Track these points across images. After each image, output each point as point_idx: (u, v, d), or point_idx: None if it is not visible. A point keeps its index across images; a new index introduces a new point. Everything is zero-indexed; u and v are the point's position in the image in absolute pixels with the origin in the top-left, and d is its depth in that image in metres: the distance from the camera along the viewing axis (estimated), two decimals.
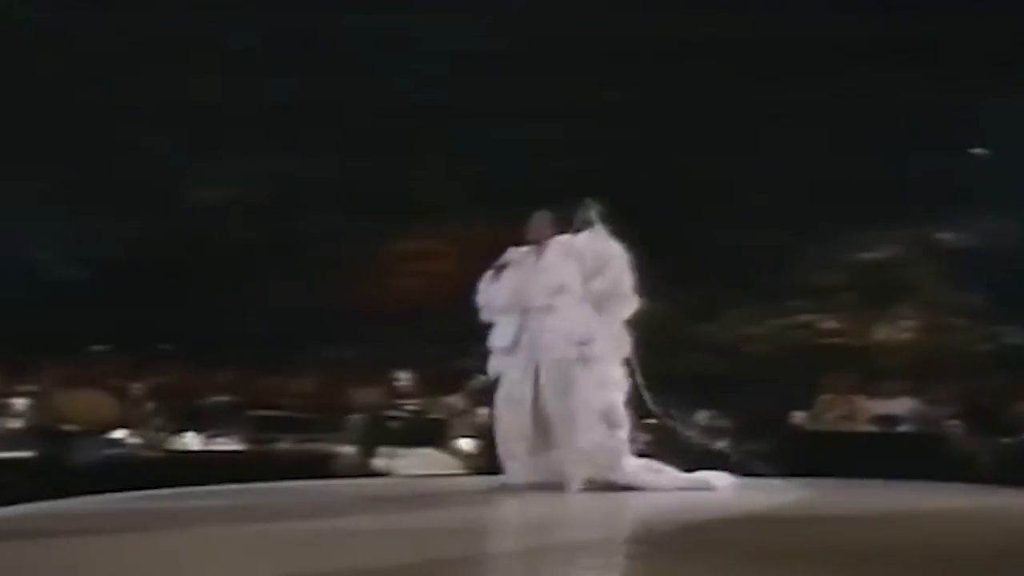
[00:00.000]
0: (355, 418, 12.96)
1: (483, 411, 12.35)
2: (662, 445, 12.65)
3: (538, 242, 7.83)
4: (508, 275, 7.83)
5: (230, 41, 17.29)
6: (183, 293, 16.70)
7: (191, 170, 18.26)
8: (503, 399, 7.79)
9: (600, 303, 7.62)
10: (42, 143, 16.75)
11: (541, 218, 7.92)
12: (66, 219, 17.57)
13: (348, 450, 12.10)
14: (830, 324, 17.88)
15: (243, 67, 17.20)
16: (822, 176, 17.49)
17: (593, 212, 7.83)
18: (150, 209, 17.53)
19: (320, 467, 11.08)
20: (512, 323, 7.73)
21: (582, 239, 7.74)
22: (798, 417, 13.70)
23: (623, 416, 7.48)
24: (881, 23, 16.86)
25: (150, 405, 13.28)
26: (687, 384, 15.06)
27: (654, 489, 7.29)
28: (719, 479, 7.62)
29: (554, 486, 7.35)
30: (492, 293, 7.85)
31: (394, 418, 12.85)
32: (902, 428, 13.27)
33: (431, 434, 12.06)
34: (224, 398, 14.12)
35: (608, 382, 7.49)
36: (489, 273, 7.90)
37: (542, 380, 7.57)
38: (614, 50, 17.38)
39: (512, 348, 7.71)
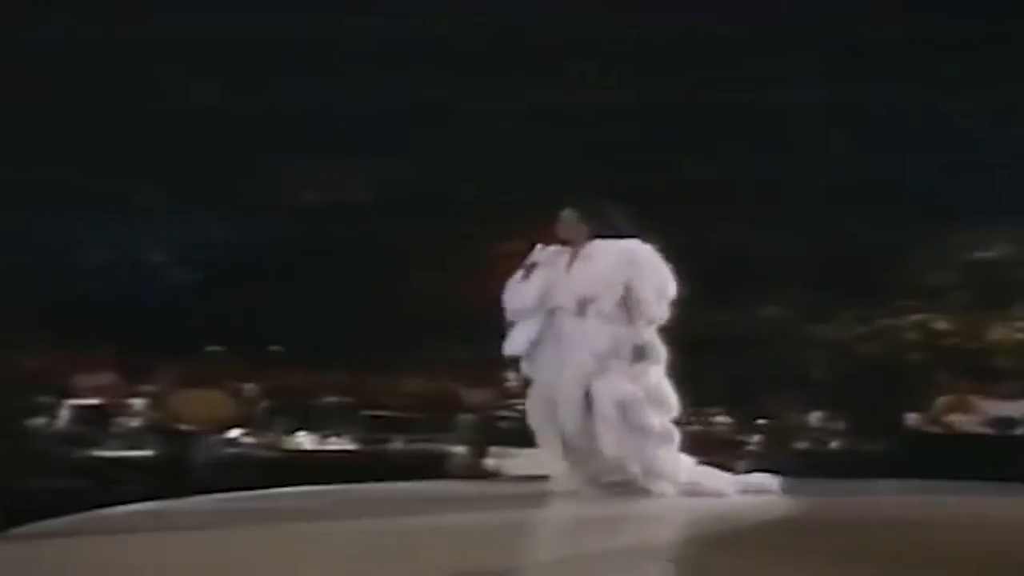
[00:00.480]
0: (465, 418, 12.96)
1: None
2: (770, 445, 12.55)
3: (570, 242, 7.31)
4: (537, 275, 7.30)
5: (341, 43, 17.39)
6: (295, 294, 16.84)
7: (302, 173, 18.41)
8: (530, 407, 7.38)
9: (633, 312, 7.09)
10: (157, 146, 17.00)
11: (569, 217, 7.37)
12: (180, 222, 17.82)
13: (459, 450, 12.09)
14: (944, 325, 17.53)
15: (352, 69, 17.31)
16: (935, 175, 17.24)
17: (624, 212, 7.36)
18: (262, 211, 17.70)
19: (433, 468, 11.06)
20: (531, 327, 7.28)
21: (635, 248, 7.20)
22: (913, 418, 13.48)
23: (653, 423, 6.98)
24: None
25: (264, 405, 13.42)
26: (801, 384, 14.97)
27: (704, 494, 6.89)
28: (770, 481, 7.23)
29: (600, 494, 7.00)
30: (520, 294, 7.31)
31: (504, 418, 12.80)
32: (1019, 431, 12.98)
33: None
34: (336, 398, 14.22)
35: (628, 391, 6.99)
36: (518, 273, 7.35)
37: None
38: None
39: (528, 355, 7.26)
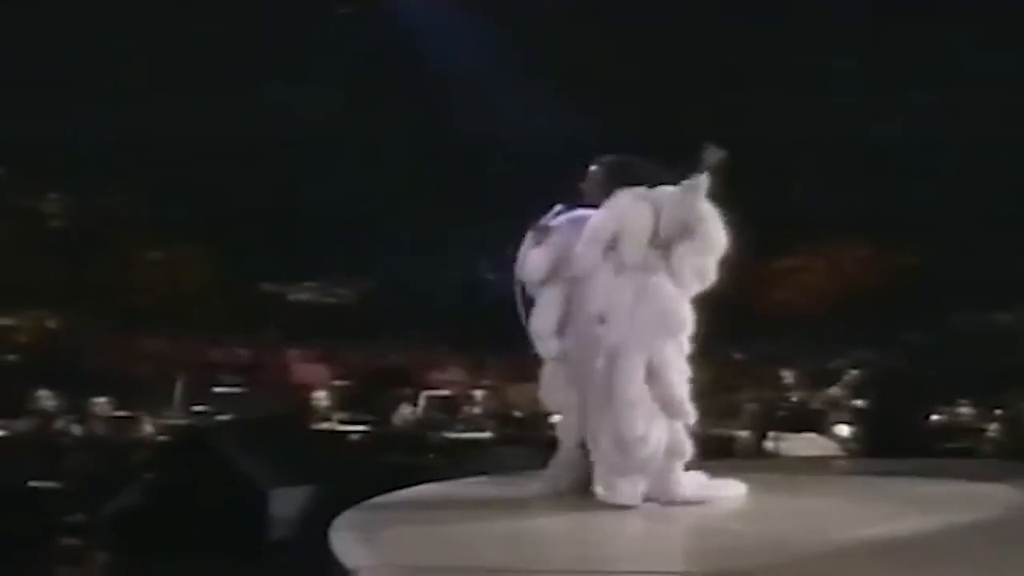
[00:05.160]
0: (750, 407, 13.76)
1: (858, 401, 13.05)
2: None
3: (595, 203, 5.96)
4: (553, 240, 5.96)
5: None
6: None
7: None
8: (550, 395, 6.11)
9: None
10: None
11: (593, 175, 5.97)
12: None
13: (743, 435, 12.95)
14: None
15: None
16: None
17: (657, 170, 5.90)
18: None
19: (722, 450, 11.86)
20: (555, 298, 5.94)
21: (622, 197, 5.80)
22: None
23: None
24: None
25: None
26: None
27: (707, 501, 5.84)
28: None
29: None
30: (532, 261, 5.96)
31: (781, 408, 13.53)
32: None
33: (813, 421, 12.73)
34: None
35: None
36: (529, 236, 6.00)
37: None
38: None
39: (560, 329, 5.93)
